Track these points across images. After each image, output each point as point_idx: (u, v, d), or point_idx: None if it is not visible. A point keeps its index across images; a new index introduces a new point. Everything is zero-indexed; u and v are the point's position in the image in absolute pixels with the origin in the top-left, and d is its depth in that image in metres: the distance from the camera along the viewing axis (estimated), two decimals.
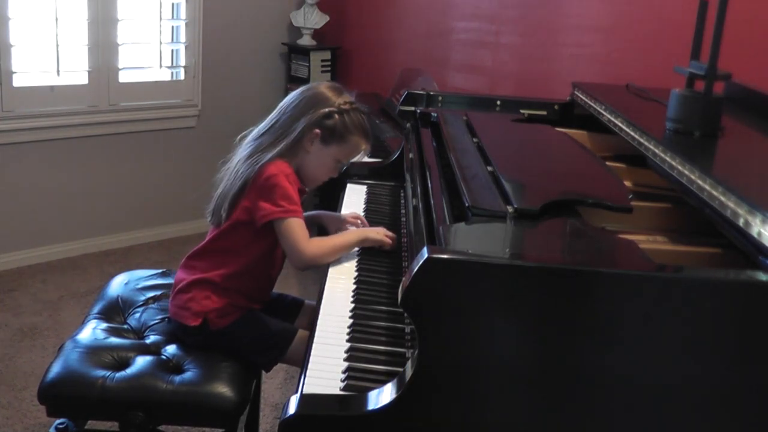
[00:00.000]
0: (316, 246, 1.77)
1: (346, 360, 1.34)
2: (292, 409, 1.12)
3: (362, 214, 2.04)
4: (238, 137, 1.88)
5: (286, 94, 4.18)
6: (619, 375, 1.05)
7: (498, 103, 2.18)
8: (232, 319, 1.79)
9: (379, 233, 1.83)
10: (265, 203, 1.74)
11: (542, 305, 1.03)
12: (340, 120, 1.82)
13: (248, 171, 1.77)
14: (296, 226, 1.75)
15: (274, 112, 1.87)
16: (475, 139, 1.74)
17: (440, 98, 2.20)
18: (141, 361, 1.71)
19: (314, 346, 1.39)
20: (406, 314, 1.38)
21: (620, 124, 1.68)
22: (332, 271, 1.72)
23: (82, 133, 3.56)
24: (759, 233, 1.07)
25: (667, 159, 1.39)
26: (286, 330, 1.81)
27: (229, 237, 1.80)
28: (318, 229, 2.02)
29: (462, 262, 1.03)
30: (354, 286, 1.64)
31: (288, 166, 1.80)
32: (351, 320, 1.49)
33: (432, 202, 1.45)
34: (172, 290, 1.87)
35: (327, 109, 1.82)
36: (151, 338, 1.82)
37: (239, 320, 1.79)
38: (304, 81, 4.07)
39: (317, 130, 1.80)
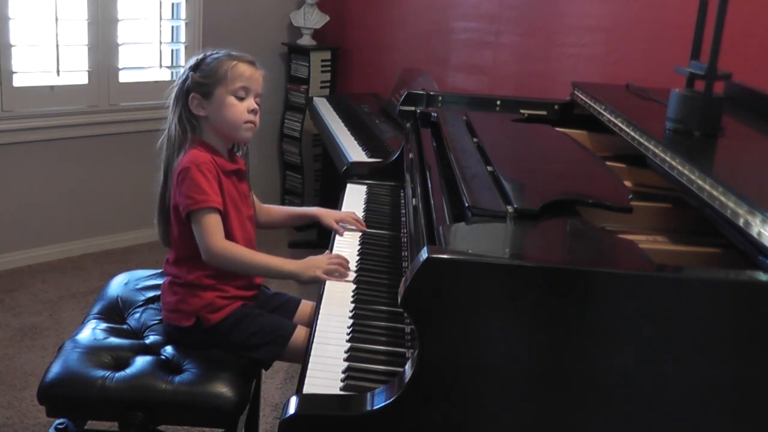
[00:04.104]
0: (225, 248, 1.72)
1: (346, 360, 1.34)
2: (292, 409, 1.12)
3: (362, 214, 2.04)
4: (158, 144, 1.84)
5: (286, 94, 4.21)
6: (619, 375, 1.05)
7: (498, 103, 2.18)
8: (225, 313, 1.77)
9: (321, 266, 1.70)
10: (179, 197, 1.73)
11: (542, 305, 1.03)
12: (201, 72, 1.77)
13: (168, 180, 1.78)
14: (203, 219, 1.71)
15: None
16: (475, 139, 1.74)
17: (440, 98, 2.20)
18: (140, 362, 1.71)
19: (314, 346, 1.39)
20: (406, 314, 1.38)
21: (620, 124, 1.67)
22: None
23: (82, 133, 3.56)
24: (759, 233, 1.07)
25: (667, 159, 1.39)
26: (284, 326, 1.79)
27: (185, 244, 1.77)
28: (318, 230, 2.01)
29: (462, 262, 1.03)
30: (354, 286, 1.64)
31: (198, 150, 1.75)
32: (351, 320, 1.49)
33: (432, 202, 1.45)
34: (161, 296, 1.87)
35: (184, 76, 1.79)
36: (151, 338, 1.82)
37: (234, 316, 1.78)
38: (304, 81, 4.07)
39: (192, 94, 1.76)
